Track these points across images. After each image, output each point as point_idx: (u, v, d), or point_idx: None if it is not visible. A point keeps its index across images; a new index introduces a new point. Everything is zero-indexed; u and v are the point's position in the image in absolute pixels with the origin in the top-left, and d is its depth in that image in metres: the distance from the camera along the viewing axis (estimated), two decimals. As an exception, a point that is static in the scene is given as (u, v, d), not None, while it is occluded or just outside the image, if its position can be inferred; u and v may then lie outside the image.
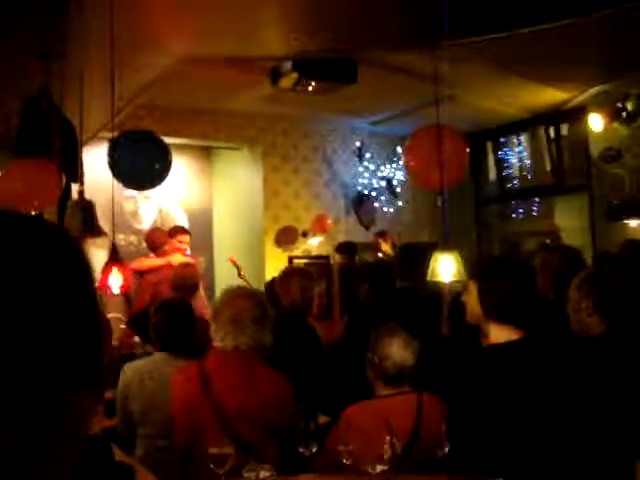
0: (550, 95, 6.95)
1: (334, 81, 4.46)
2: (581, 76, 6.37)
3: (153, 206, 7.64)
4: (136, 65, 4.10)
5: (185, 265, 4.39)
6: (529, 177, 8.27)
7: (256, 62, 4.32)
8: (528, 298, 2.49)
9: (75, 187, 3.60)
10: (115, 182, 6.41)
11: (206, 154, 8.00)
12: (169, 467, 2.87)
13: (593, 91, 6.71)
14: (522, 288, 2.48)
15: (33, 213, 3.60)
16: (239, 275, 5.72)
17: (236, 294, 2.75)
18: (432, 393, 2.81)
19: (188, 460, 2.69)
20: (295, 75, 4.16)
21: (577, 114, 7.22)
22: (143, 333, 3.75)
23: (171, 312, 3.11)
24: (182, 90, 5.87)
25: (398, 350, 2.75)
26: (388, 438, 2.33)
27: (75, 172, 3.61)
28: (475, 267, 2.64)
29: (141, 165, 2.73)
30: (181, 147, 7.15)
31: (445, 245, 2.76)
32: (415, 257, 3.72)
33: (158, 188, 7.17)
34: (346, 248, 6.80)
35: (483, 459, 2.27)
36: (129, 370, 3.14)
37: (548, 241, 8.65)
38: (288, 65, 4.14)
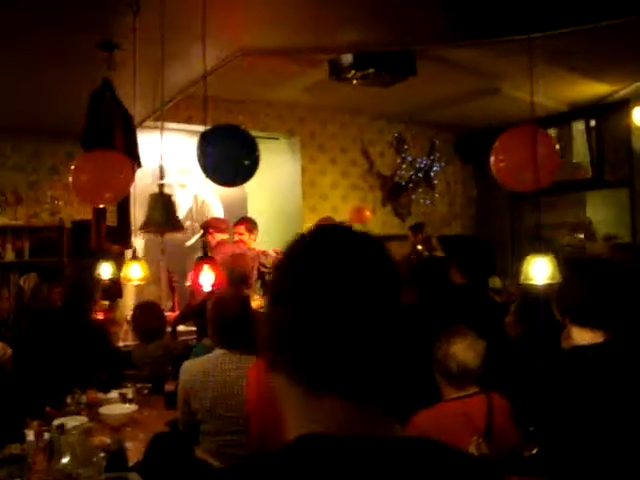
0: (593, 88, 6.87)
1: (394, 74, 4.43)
2: (628, 69, 6.29)
3: (189, 195, 7.64)
4: (191, 57, 4.09)
5: (237, 256, 4.38)
6: (566, 170, 8.20)
7: (302, 53, 4.29)
8: (609, 300, 2.45)
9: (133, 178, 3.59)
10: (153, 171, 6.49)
11: (242, 143, 7.97)
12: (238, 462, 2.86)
13: (638, 84, 6.62)
14: (602, 290, 2.43)
15: (101, 206, 3.63)
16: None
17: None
18: (499, 393, 2.80)
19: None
20: (356, 67, 4.13)
21: (620, 107, 7.13)
22: (201, 326, 3.76)
23: (226, 307, 3.04)
24: (223, 81, 5.83)
25: (463, 350, 2.74)
26: (475, 438, 2.33)
27: (136, 164, 3.62)
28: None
29: (230, 160, 2.70)
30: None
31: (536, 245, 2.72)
32: (479, 253, 3.67)
33: (194, 176, 7.27)
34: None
35: (572, 461, 2.26)
36: (189, 368, 3.09)
37: (581, 235, 8.62)
38: (349, 57, 4.12)
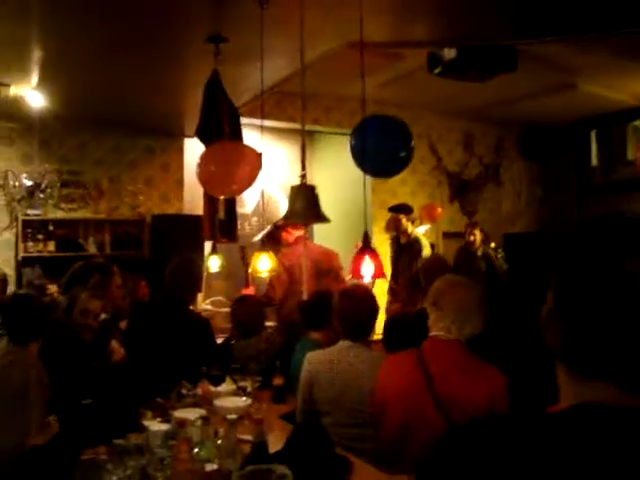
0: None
1: (496, 69, 4.36)
2: None
3: (256, 190, 7.63)
4: (292, 49, 4.06)
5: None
6: (634, 168, 8.05)
7: (406, 47, 4.25)
8: None
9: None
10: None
11: (308, 138, 7.95)
12: (361, 457, 2.82)
13: None
14: None
15: (222, 198, 3.63)
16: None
17: (456, 283, 2.69)
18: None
19: (393, 451, 2.66)
20: (459, 61, 4.07)
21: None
22: (309, 319, 3.75)
23: (356, 300, 3.05)
24: (297, 76, 5.80)
25: None
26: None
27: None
28: None
29: (387, 152, 2.66)
30: (282, 131, 7.14)
31: None
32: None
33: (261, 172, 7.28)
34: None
35: None
36: (314, 359, 3.09)
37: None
38: (451, 52, 4.06)
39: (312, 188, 2.59)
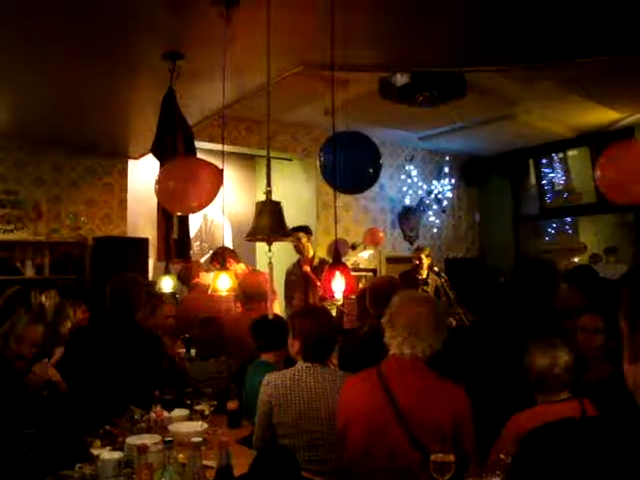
0: (602, 115, 7.02)
1: (447, 95, 4.44)
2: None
3: (199, 215, 7.53)
4: (249, 72, 4.05)
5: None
6: (566, 195, 8.39)
7: (360, 70, 4.27)
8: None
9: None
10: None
11: (251, 163, 7.93)
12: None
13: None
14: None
15: (179, 213, 3.53)
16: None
17: (410, 300, 2.66)
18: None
19: (356, 470, 2.62)
20: (411, 87, 4.12)
21: (625, 135, 7.29)
22: (263, 341, 3.66)
23: (319, 320, 3.00)
24: (243, 101, 5.78)
25: (539, 357, 2.72)
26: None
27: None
28: None
29: (355, 168, 2.64)
30: (226, 155, 7.08)
31: None
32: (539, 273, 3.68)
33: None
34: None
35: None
36: (273, 381, 3.01)
37: (576, 259, 8.78)
38: (403, 77, 4.11)
39: (277, 204, 2.55)
